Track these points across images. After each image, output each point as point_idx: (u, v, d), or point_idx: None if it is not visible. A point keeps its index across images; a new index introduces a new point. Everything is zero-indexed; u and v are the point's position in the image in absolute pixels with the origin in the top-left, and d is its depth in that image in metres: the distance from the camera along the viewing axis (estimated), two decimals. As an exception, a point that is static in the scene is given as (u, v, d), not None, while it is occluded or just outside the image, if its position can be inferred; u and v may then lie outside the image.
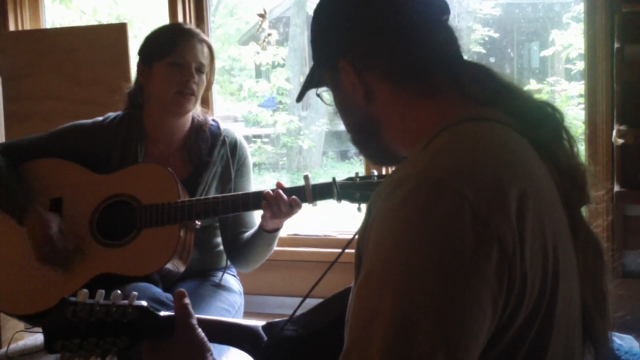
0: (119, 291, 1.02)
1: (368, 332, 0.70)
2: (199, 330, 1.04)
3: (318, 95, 1.09)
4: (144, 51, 1.97)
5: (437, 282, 0.69)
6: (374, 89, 0.93)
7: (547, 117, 0.90)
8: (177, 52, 1.90)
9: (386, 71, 0.92)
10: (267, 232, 1.90)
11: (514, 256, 0.72)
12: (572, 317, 0.84)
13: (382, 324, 0.69)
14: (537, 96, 0.93)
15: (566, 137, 0.91)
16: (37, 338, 2.86)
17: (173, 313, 1.05)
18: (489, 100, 0.90)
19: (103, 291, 1.01)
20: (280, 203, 1.80)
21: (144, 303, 1.03)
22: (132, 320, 1.00)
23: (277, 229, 1.91)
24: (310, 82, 1.06)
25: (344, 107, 1.00)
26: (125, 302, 1.01)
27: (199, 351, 1.03)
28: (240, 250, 2.00)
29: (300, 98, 1.11)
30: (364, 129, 0.99)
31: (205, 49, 1.96)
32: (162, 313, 1.04)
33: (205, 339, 1.04)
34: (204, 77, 1.96)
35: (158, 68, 1.91)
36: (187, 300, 1.05)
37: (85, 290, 1.00)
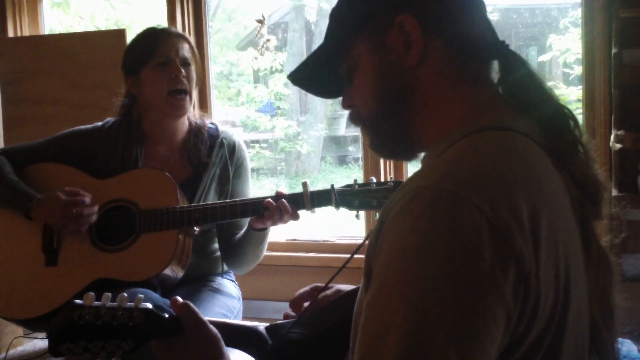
0: (125, 294, 1.02)
1: (380, 344, 0.69)
2: (210, 326, 1.03)
3: (342, 63, 0.98)
4: (127, 63, 1.98)
5: (453, 296, 0.68)
6: (431, 52, 0.89)
7: (566, 130, 0.89)
8: (159, 52, 1.91)
9: (449, 38, 0.89)
10: (255, 231, 1.90)
11: (530, 274, 0.71)
12: (581, 332, 0.84)
13: (395, 337, 0.68)
14: (563, 103, 0.91)
15: (582, 151, 0.89)
16: (35, 344, 2.85)
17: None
18: (520, 100, 0.89)
19: (110, 294, 1.01)
20: (284, 214, 1.80)
21: (150, 305, 1.02)
22: (138, 323, 1.00)
23: (266, 228, 1.91)
24: (336, 47, 0.97)
25: (382, 71, 0.92)
26: (132, 304, 1.01)
27: (216, 346, 1.02)
28: (233, 250, 2.00)
29: (296, 78, 1.04)
30: (397, 97, 0.91)
31: (185, 44, 1.97)
32: (167, 314, 1.04)
33: (218, 333, 1.03)
34: (192, 70, 1.97)
35: (145, 74, 1.93)
36: (186, 304, 1.04)
37: (92, 294, 1.00)
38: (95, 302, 1.00)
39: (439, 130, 0.89)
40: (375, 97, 0.94)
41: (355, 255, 1.24)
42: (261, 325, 1.23)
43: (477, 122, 0.85)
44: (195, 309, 1.04)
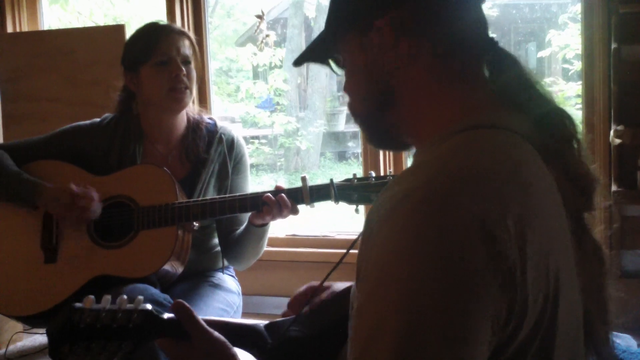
0: (125, 296, 1.02)
1: (373, 349, 0.69)
2: (216, 333, 1.02)
3: (330, 60, 1.00)
4: (127, 59, 1.97)
5: (444, 298, 0.68)
6: (418, 52, 0.87)
7: (559, 128, 0.88)
8: (159, 50, 1.90)
9: (437, 37, 0.87)
10: (255, 227, 1.91)
11: (517, 274, 0.71)
12: (574, 328, 0.83)
13: (387, 340, 0.68)
14: (556, 101, 0.90)
15: (577, 146, 0.88)
16: (35, 339, 2.85)
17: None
18: (511, 98, 0.88)
19: (109, 297, 1.01)
20: (284, 208, 1.80)
21: (149, 306, 1.02)
22: (137, 325, 1.00)
23: (266, 224, 1.92)
24: (324, 45, 0.98)
25: (369, 72, 0.91)
26: (132, 306, 1.01)
27: (225, 352, 1.01)
28: (233, 246, 2.01)
29: (299, 63, 1.04)
30: (380, 99, 0.91)
31: (186, 41, 1.96)
32: (166, 315, 1.03)
33: (222, 337, 1.02)
34: (193, 69, 1.96)
35: (145, 71, 1.92)
36: (189, 310, 1.02)
37: (92, 297, 1.00)
38: (95, 305, 1.00)
39: (430, 130, 0.88)
40: (364, 98, 0.93)
41: (352, 251, 1.24)
42: (261, 323, 1.23)
43: (467, 120, 0.84)
44: (198, 318, 1.03)
